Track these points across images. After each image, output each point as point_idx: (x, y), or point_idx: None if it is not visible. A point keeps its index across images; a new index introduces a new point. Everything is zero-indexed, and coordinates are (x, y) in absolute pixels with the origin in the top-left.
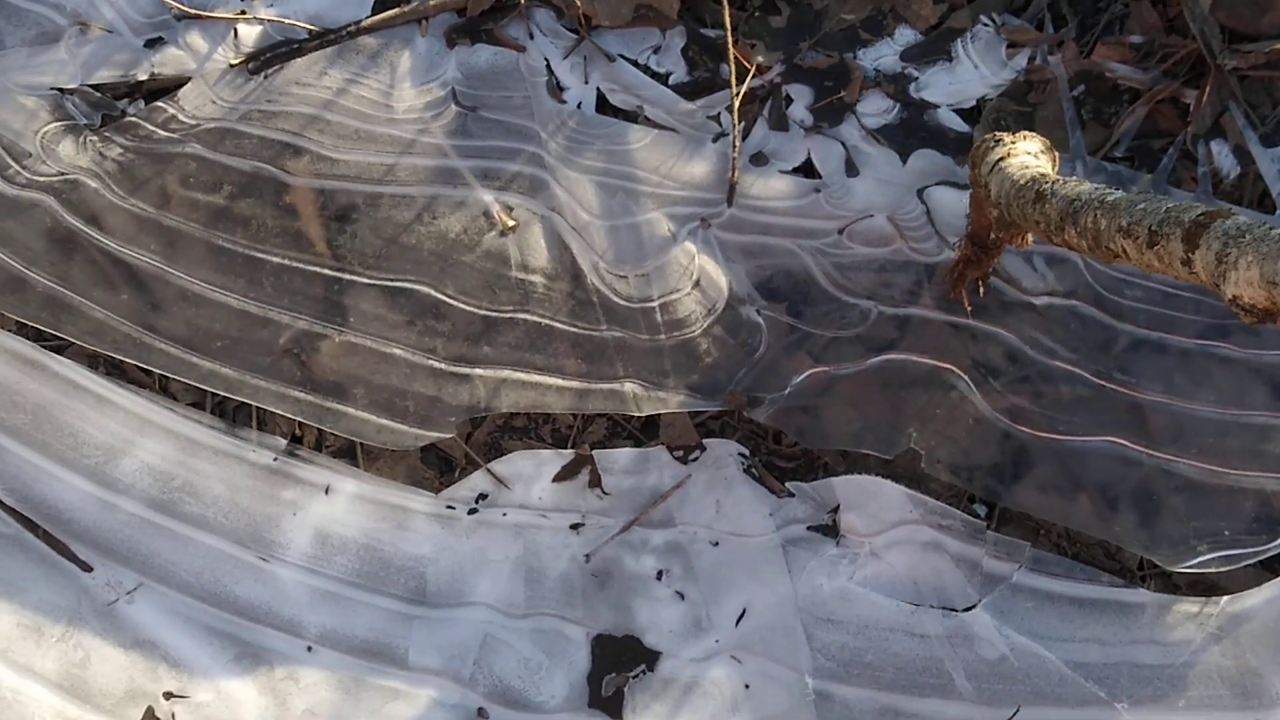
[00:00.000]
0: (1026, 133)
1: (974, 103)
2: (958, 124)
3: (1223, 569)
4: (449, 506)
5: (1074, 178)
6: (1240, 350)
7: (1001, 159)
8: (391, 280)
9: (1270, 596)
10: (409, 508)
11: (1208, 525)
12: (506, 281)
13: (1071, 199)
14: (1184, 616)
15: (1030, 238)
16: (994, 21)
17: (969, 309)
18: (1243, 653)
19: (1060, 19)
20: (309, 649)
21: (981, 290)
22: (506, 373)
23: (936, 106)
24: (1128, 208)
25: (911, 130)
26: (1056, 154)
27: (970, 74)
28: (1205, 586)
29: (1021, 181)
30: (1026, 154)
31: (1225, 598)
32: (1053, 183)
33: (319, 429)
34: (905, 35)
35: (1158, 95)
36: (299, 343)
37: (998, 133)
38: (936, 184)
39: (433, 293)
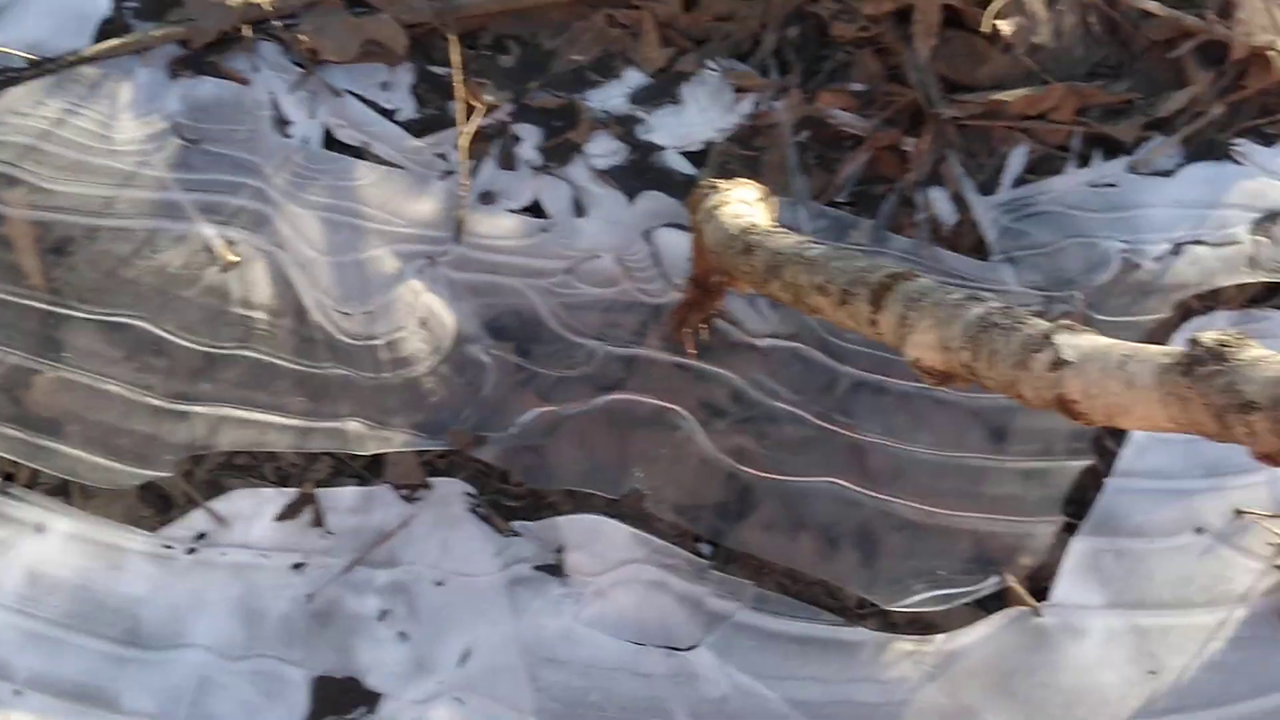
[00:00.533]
0: (743, 180)
1: (700, 146)
2: (684, 166)
3: (938, 608)
4: (166, 546)
5: (782, 230)
6: (957, 393)
7: (716, 207)
8: (109, 315)
9: (984, 635)
10: (124, 547)
11: (924, 565)
12: (228, 318)
13: (775, 251)
14: (901, 655)
15: None
16: (721, 67)
17: (692, 351)
18: (957, 690)
19: (785, 66)
20: (16, 692)
21: (705, 333)
22: (227, 410)
23: (664, 149)
24: (824, 264)
25: (639, 172)
26: (775, 201)
27: (697, 117)
28: (922, 625)
29: (732, 231)
30: (741, 202)
31: (941, 636)
32: (761, 234)
33: (32, 467)
34: (634, 78)
35: (879, 142)
36: (11, 378)
37: (715, 180)
38: (663, 225)
39: (152, 328)
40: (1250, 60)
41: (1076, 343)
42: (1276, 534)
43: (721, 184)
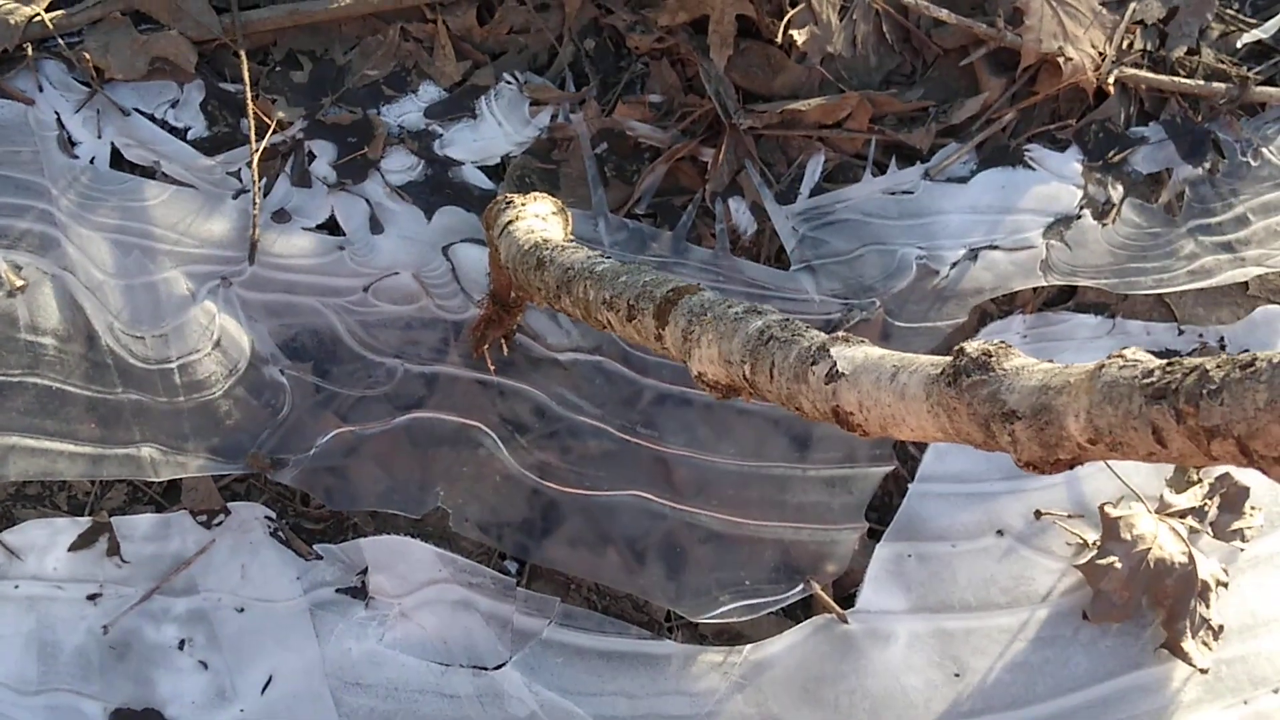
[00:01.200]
0: (538, 194)
1: (499, 160)
2: (483, 181)
3: (744, 618)
4: None
5: (574, 244)
6: (758, 403)
7: (511, 222)
8: None
9: (790, 644)
10: None
11: (730, 575)
12: (15, 344)
13: (566, 267)
14: (709, 666)
15: None
16: (517, 79)
17: (493, 367)
18: (765, 700)
19: (582, 77)
20: None
21: (505, 348)
22: (15, 439)
23: (461, 164)
24: (611, 280)
25: (436, 187)
26: (569, 215)
27: (494, 131)
28: (729, 636)
29: (525, 247)
30: (535, 216)
31: (748, 646)
32: (553, 249)
33: None
34: (429, 92)
35: (677, 153)
36: None
37: (509, 194)
38: (461, 241)
39: None
40: (1040, 66)
41: (851, 354)
42: (1075, 534)
43: (516, 198)
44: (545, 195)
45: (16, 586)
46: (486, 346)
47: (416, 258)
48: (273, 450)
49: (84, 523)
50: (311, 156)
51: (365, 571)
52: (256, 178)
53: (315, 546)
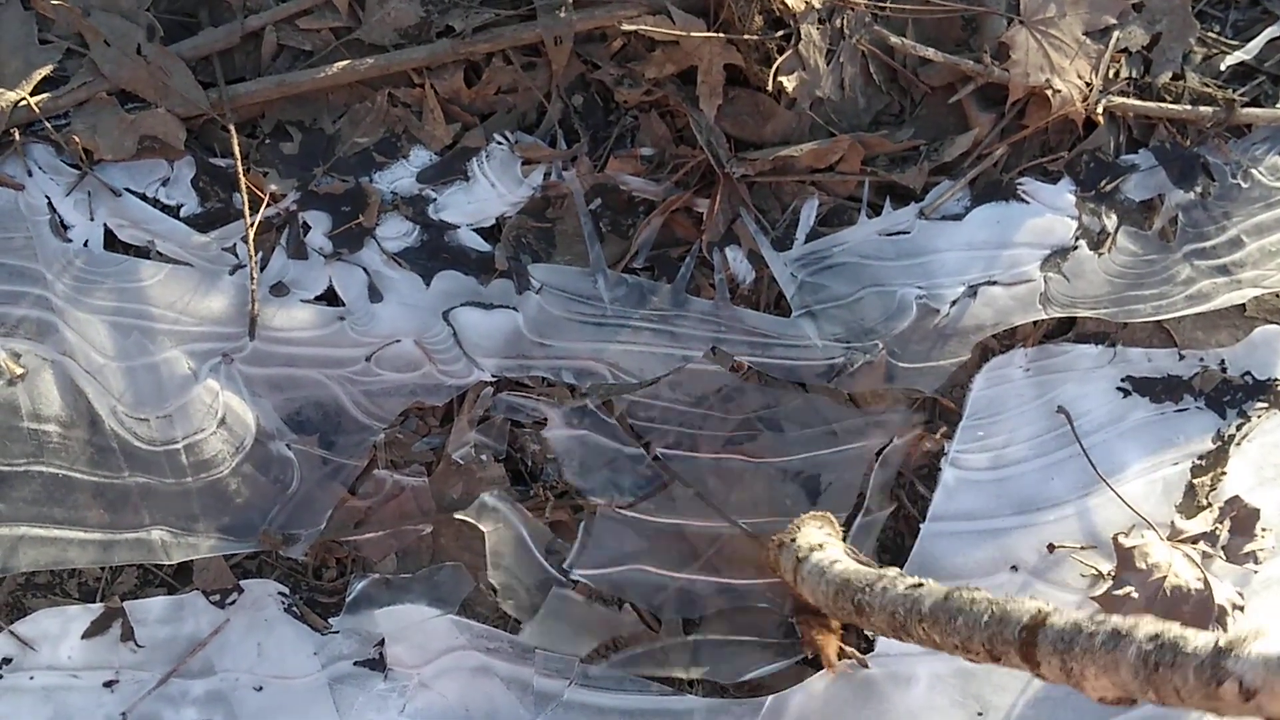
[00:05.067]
0: (802, 520)
1: (494, 221)
2: (479, 243)
3: (768, 669)
4: None
5: (878, 573)
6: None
7: (799, 565)
8: None
9: (812, 692)
10: None
11: (748, 626)
12: (18, 433)
13: (891, 611)
14: (732, 718)
15: None
16: (508, 139)
17: (864, 662)
18: None
19: (573, 134)
20: None
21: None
22: (23, 530)
23: (457, 227)
24: (948, 621)
25: (433, 252)
26: (835, 522)
27: (488, 193)
28: (751, 687)
29: (832, 593)
30: (813, 547)
31: (770, 697)
32: (862, 591)
33: None
34: (421, 156)
35: (672, 205)
36: None
37: (776, 538)
38: (461, 305)
39: None
40: (1028, 99)
41: (1251, 664)
42: (1089, 566)
43: (784, 538)
44: (807, 518)
45: (32, 678)
46: (834, 655)
47: (417, 324)
48: (283, 525)
49: (96, 609)
50: (306, 228)
51: (382, 643)
52: (253, 252)
53: (330, 620)
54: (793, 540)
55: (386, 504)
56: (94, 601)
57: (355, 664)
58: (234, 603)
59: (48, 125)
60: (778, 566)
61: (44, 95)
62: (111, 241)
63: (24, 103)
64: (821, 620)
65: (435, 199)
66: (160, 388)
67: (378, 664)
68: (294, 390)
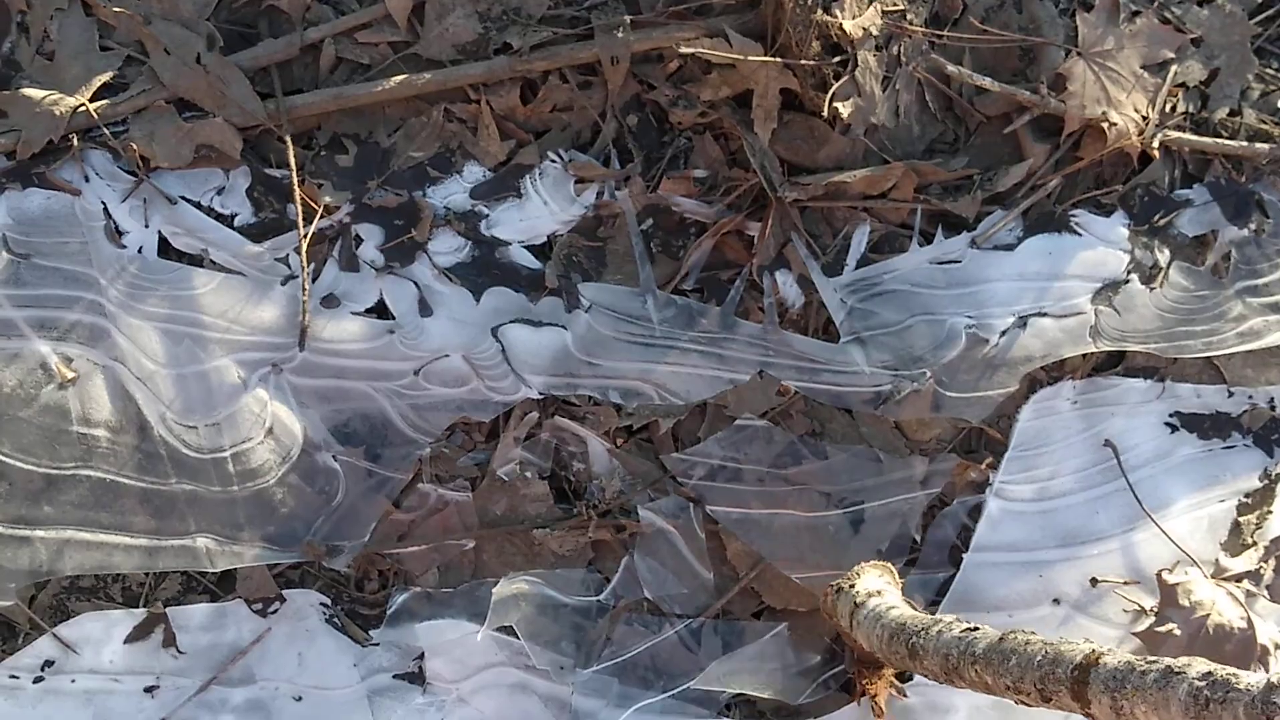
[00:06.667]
0: (861, 568)
1: (545, 239)
2: (530, 260)
3: (805, 693)
4: (12, 676)
5: (934, 619)
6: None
7: (855, 611)
8: None
9: (857, 715)
10: None
11: (786, 650)
12: (67, 437)
13: (944, 654)
14: None
15: None
16: (561, 157)
17: (903, 692)
18: None
19: (626, 154)
20: None
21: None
22: (70, 533)
23: (508, 243)
24: (1001, 662)
25: (484, 268)
26: (894, 571)
27: (540, 210)
28: (788, 712)
29: (887, 638)
30: (871, 594)
31: None
32: (917, 635)
33: None
34: (474, 172)
35: (723, 228)
36: None
37: (835, 584)
38: (511, 322)
39: None
40: (1084, 131)
41: None
42: (1132, 601)
43: (844, 584)
44: (867, 566)
45: (73, 681)
46: (885, 704)
47: (466, 339)
48: (326, 536)
49: (139, 614)
50: (359, 240)
51: (422, 656)
52: (305, 263)
53: (370, 632)
54: (851, 586)
55: (430, 518)
56: (137, 606)
57: (394, 677)
58: (276, 612)
59: (106, 132)
60: (834, 612)
61: (103, 101)
62: (165, 249)
63: (83, 108)
64: (875, 668)
65: (488, 215)
66: (210, 396)
67: (417, 678)
68: (342, 402)
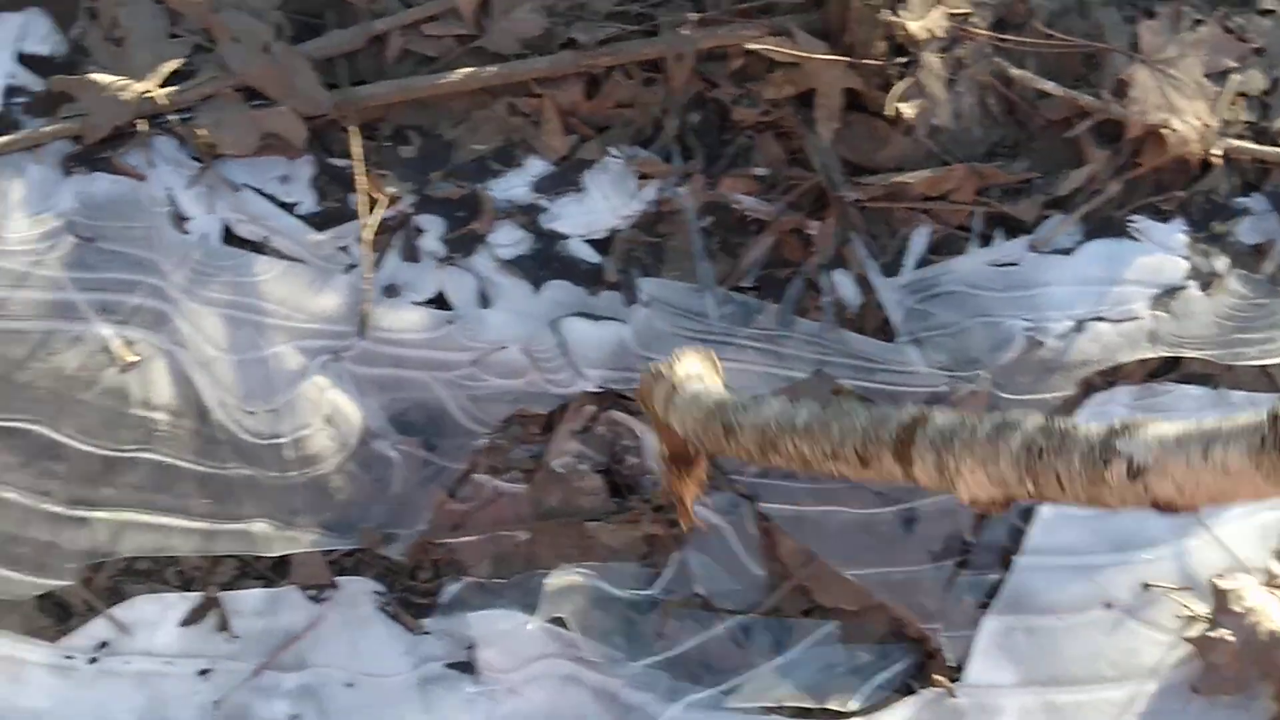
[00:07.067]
0: (678, 354)
1: (605, 233)
2: (590, 255)
3: (858, 695)
4: (67, 656)
5: (751, 399)
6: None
7: (671, 394)
8: (3, 420)
9: (900, 717)
10: (24, 659)
11: (838, 650)
12: (128, 419)
13: (761, 429)
14: None
15: None
16: (623, 153)
17: (703, 527)
18: None
19: (688, 151)
20: None
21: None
22: (129, 515)
23: (568, 237)
24: (822, 431)
25: (544, 261)
26: (717, 362)
27: (601, 205)
28: (836, 711)
29: (702, 418)
30: (690, 377)
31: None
32: (733, 413)
33: None
34: (536, 166)
35: (783, 226)
36: None
37: (654, 366)
38: (570, 315)
39: (49, 432)
40: (1145, 138)
41: (1144, 442)
42: (1184, 606)
43: (662, 368)
44: (686, 352)
45: (128, 662)
46: (691, 506)
47: (525, 332)
48: (382, 524)
49: (194, 598)
50: (420, 231)
51: (473, 646)
52: (367, 253)
53: (423, 621)
54: (670, 370)
55: (484, 509)
56: (191, 590)
57: (446, 666)
58: (329, 599)
59: (172, 118)
60: (650, 397)
61: (171, 88)
62: (229, 236)
63: (150, 95)
64: (684, 467)
65: (548, 209)
66: (269, 382)
67: (468, 667)
68: (400, 391)
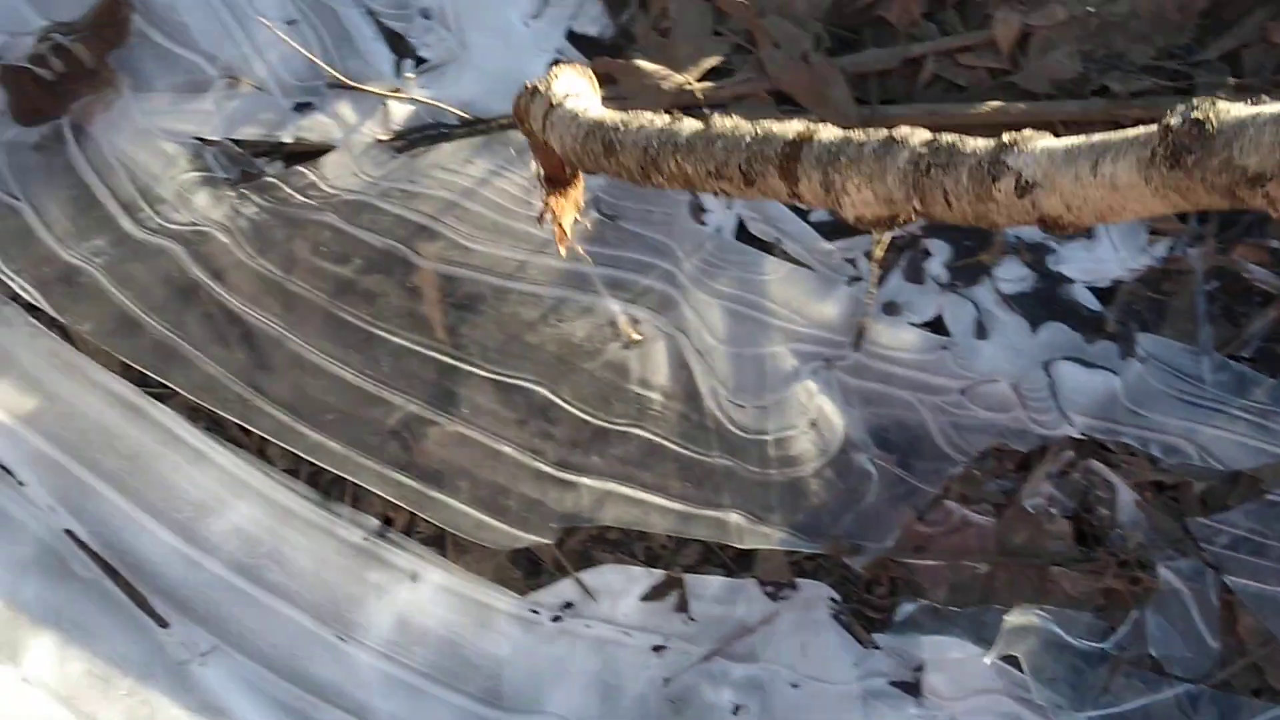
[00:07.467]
0: (557, 69)
1: (1109, 283)
2: (1091, 302)
3: None
4: (533, 610)
5: (630, 114)
6: None
7: (548, 113)
8: (508, 376)
9: None
10: (493, 606)
11: None
12: (624, 394)
13: (643, 146)
14: None
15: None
16: None
17: (579, 249)
18: None
19: (1204, 213)
20: None
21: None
22: (612, 485)
23: (1072, 282)
24: (706, 147)
25: (1044, 301)
26: (595, 80)
27: (1109, 255)
28: None
29: (581, 136)
30: (571, 96)
31: None
32: (613, 129)
33: (410, 513)
34: None
35: None
36: (408, 426)
37: (531, 83)
38: (1063, 359)
39: (548, 395)
40: None
41: (1033, 158)
42: None
43: (539, 83)
44: (565, 66)
45: (588, 626)
46: (569, 232)
47: (1017, 368)
48: (849, 534)
49: (658, 575)
50: (927, 254)
51: (921, 669)
52: (875, 269)
53: (874, 635)
54: (547, 87)
55: (950, 535)
56: (656, 567)
57: (890, 683)
58: (787, 598)
59: (706, 112)
60: (526, 115)
61: (708, 83)
62: (742, 232)
63: (690, 87)
64: (561, 187)
65: (1056, 250)
66: (762, 379)
67: (913, 688)
68: (884, 407)
